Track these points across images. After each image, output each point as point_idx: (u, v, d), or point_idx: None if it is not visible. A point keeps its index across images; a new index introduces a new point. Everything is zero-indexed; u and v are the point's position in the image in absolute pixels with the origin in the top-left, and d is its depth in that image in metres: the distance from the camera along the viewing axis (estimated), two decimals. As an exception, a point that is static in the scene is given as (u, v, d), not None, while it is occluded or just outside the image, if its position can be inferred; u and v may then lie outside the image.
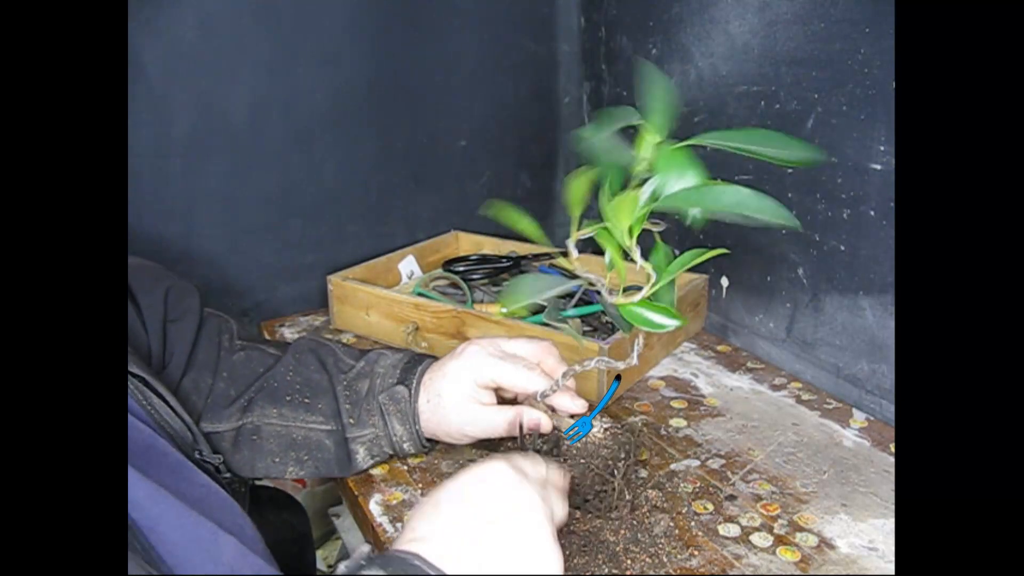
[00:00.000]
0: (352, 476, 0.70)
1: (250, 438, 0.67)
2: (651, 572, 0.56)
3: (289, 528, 0.83)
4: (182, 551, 0.42)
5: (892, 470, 0.69)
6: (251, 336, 0.75)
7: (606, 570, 0.55)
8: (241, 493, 0.69)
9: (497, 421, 0.65)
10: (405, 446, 0.68)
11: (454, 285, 1.04)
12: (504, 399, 0.69)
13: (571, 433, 0.66)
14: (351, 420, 0.67)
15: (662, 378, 0.87)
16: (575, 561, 0.56)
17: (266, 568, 0.46)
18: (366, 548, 0.44)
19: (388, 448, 0.68)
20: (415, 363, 0.69)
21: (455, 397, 0.65)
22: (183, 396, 0.66)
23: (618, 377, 0.65)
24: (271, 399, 0.67)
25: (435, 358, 0.70)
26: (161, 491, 0.43)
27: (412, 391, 0.67)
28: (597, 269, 1.12)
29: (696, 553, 0.59)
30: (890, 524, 0.62)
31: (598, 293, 0.59)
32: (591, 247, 1.32)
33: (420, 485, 0.68)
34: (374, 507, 0.66)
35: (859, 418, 0.78)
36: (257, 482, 0.79)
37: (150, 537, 0.41)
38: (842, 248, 0.80)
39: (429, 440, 0.68)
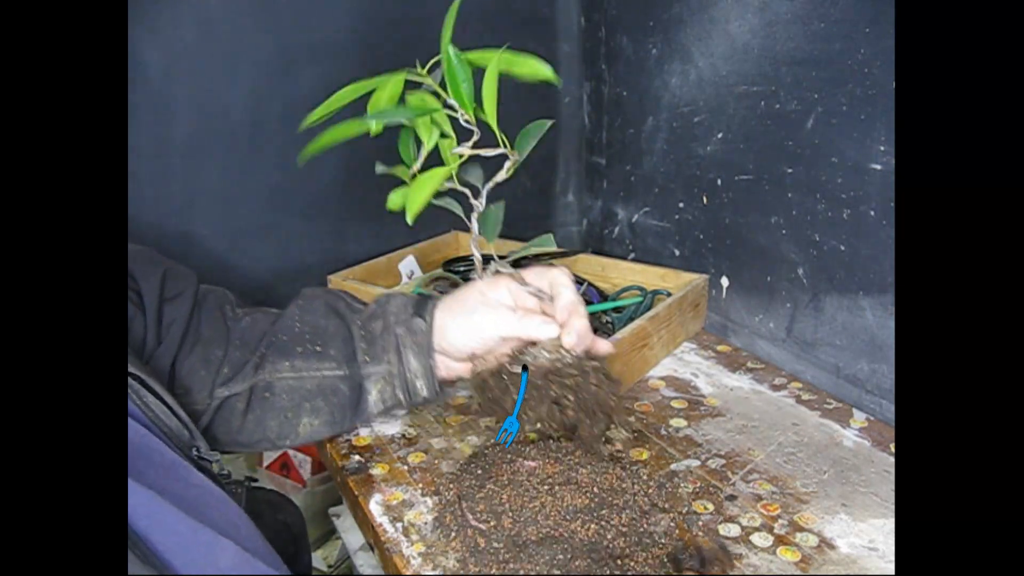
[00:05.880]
0: (362, 423, 0.70)
1: (262, 395, 0.67)
2: (651, 572, 0.56)
3: (285, 529, 0.84)
4: (180, 558, 0.42)
5: (892, 470, 0.69)
6: (250, 304, 0.76)
7: (607, 570, 0.55)
8: (237, 494, 0.69)
9: (508, 316, 0.64)
10: (418, 384, 0.67)
11: (454, 285, 1.04)
12: None
13: (503, 436, 0.68)
14: (366, 358, 0.67)
15: (662, 378, 0.87)
16: (576, 563, 0.56)
17: (266, 572, 0.46)
18: None
19: (400, 389, 0.67)
20: (425, 300, 0.70)
21: (472, 303, 0.66)
22: (191, 373, 0.66)
23: (524, 368, 0.65)
24: (282, 353, 0.67)
25: (441, 299, 0.70)
26: (157, 498, 0.43)
27: (428, 324, 0.67)
28: (596, 268, 1.12)
29: (694, 553, 0.59)
30: (890, 524, 0.62)
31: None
32: (591, 247, 1.32)
33: (420, 485, 0.68)
34: (374, 507, 0.66)
35: (859, 418, 0.78)
36: (253, 483, 0.79)
37: (149, 542, 0.41)
38: (842, 248, 0.80)
39: (441, 385, 0.68)
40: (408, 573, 0.58)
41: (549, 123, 0.64)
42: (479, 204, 0.65)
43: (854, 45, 0.74)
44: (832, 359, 0.83)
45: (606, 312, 0.97)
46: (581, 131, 1.26)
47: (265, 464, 1.39)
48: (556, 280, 0.66)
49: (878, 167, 0.74)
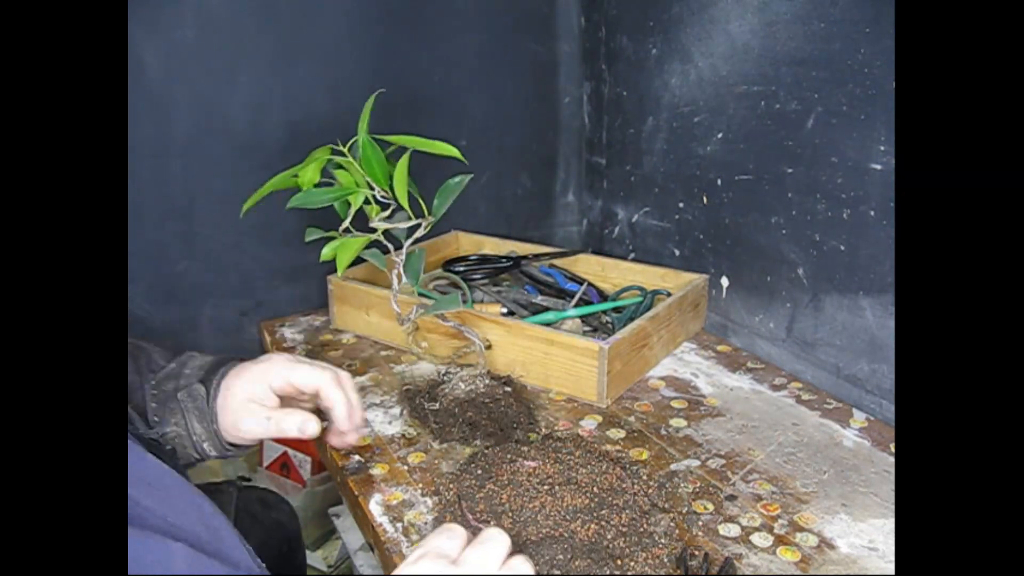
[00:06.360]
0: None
1: None
2: (651, 572, 0.56)
3: (279, 528, 0.83)
4: (131, 567, 0.40)
5: (892, 470, 0.69)
6: None
7: (607, 570, 0.55)
8: (228, 493, 0.69)
9: (261, 421, 0.65)
10: (205, 446, 0.66)
11: (454, 285, 1.04)
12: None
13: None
14: (156, 418, 0.66)
15: (662, 378, 0.87)
16: (576, 563, 0.56)
17: (221, 571, 0.44)
18: None
19: (192, 449, 0.66)
20: (221, 364, 0.69)
21: (242, 395, 0.66)
22: None
23: None
24: None
25: (243, 361, 0.70)
26: None
27: (211, 390, 0.66)
28: (596, 268, 1.12)
29: (696, 553, 0.59)
30: (890, 524, 0.62)
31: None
32: (591, 247, 1.32)
33: (420, 485, 0.68)
34: (374, 507, 0.66)
35: (859, 418, 0.78)
36: (245, 483, 0.78)
37: None
38: (842, 248, 0.80)
39: (232, 445, 0.67)
40: (408, 573, 0.58)
41: (468, 178, 0.75)
42: (399, 259, 0.75)
43: (854, 45, 0.74)
44: (832, 359, 0.83)
45: (606, 312, 0.97)
46: (581, 131, 1.26)
47: (265, 464, 1.39)
48: (323, 385, 0.67)
49: (878, 167, 0.74)
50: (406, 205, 0.71)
